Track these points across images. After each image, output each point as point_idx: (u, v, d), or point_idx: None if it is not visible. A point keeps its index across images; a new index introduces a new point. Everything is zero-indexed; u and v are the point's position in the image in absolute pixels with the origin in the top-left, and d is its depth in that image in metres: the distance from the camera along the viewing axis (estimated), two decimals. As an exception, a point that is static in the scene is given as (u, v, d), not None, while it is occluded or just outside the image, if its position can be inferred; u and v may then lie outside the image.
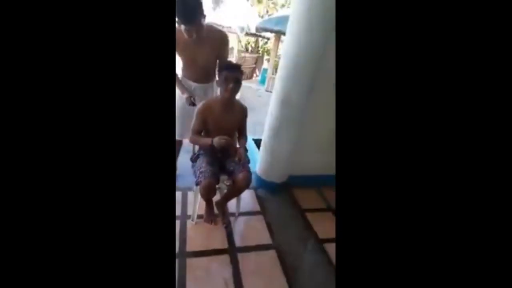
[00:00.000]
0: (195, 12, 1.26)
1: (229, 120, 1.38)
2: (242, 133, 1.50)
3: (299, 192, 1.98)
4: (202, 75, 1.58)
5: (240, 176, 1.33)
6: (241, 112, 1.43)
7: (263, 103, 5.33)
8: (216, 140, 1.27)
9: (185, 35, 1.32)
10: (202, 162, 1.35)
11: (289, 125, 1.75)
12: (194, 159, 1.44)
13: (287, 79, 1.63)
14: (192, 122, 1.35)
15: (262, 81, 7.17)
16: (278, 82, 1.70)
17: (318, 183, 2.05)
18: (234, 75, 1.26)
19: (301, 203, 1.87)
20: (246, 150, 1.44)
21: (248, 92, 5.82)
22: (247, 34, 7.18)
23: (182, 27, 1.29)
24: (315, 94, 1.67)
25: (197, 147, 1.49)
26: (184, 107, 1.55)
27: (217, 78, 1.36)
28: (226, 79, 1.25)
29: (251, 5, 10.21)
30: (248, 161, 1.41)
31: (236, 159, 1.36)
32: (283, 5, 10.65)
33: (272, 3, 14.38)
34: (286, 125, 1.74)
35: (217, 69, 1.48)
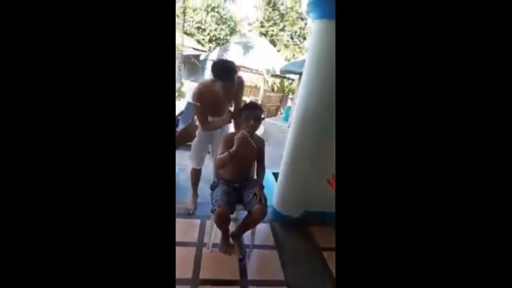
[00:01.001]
0: (234, 72, 1.50)
1: (248, 152, 1.50)
2: (260, 163, 1.61)
3: (316, 228, 1.94)
4: (220, 113, 1.76)
5: (256, 208, 1.39)
6: (259, 143, 1.55)
7: (286, 139, 5.44)
8: (237, 137, 1.32)
9: (220, 91, 1.50)
10: (219, 191, 1.45)
11: (306, 160, 1.81)
12: (213, 187, 1.55)
13: (302, 114, 1.76)
14: (219, 149, 1.50)
15: (286, 118, 7.41)
16: (294, 117, 1.83)
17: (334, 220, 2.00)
18: (255, 113, 1.43)
19: (317, 240, 1.83)
20: (263, 187, 1.52)
21: (272, 128, 6.05)
22: (272, 75, 7.74)
23: (220, 83, 1.48)
24: (332, 126, 1.75)
25: (215, 176, 1.62)
26: (201, 136, 1.72)
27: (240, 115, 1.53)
28: (247, 117, 1.42)
29: (278, 50, 11.10)
30: (265, 197, 1.47)
31: (253, 195, 1.44)
32: (307, 50, 11.40)
33: (299, 47, 15.43)
34: (303, 159, 1.81)
35: (233, 107, 1.68)
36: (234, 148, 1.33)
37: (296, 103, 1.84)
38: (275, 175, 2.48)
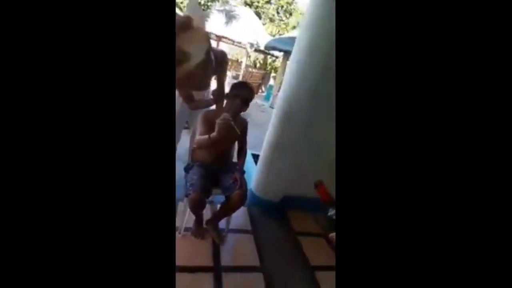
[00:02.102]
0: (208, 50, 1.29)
1: (229, 137, 1.36)
2: (241, 147, 1.48)
3: (295, 214, 1.92)
4: (202, 87, 1.57)
5: (236, 193, 1.29)
6: (241, 126, 1.41)
7: (267, 118, 5.35)
8: (218, 121, 1.16)
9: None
10: (194, 174, 1.31)
11: (289, 143, 1.72)
12: (187, 169, 1.41)
13: (289, 97, 1.63)
14: (197, 131, 1.33)
15: (267, 97, 7.25)
16: (280, 100, 1.70)
17: (314, 206, 1.99)
18: (243, 94, 1.30)
19: (294, 226, 1.81)
20: (243, 172, 1.41)
21: (252, 107, 5.86)
22: (256, 50, 7.37)
23: None
24: (317, 114, 1.66)
25: (190, 157, 1.47)
26: (180, 113, 1.55)
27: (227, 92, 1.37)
28: (235, 96, 1.29)
29: (264, 24, 10.56)
30: (246, 183, 1.37)
31: (233, 181, 1.32)
32: (294, 27, 11.01)
33: (284, 23, 14.90)
34: (285, 143, 1.72)
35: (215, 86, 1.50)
36: (215, 133, 1.19)
37: (282, 84, 1.70)
38: (255, 157, 2.38)
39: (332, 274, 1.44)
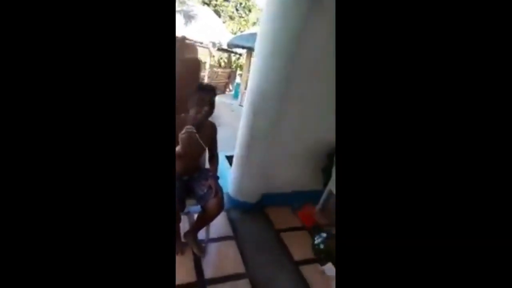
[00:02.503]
0: None
1: (195, 150, 1.29)
2: (213, 152, 1.42)
3: (273, 211, 1.91)
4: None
5: (212, 202, 1.23)
6: (211, 130, 1.35)
7: (237, 117, 5.29)
8: (181, 135, 1.05)
9: None
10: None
11: (260, 140, 1.69)
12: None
13: (256, 94, 1.60)
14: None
15: (235, 95, 7.19)
16: (247, 97, 1.66)
17: (293, 200, 2.00)
18: (209, 98, 1.19)
19: (275, 223, 1.80)
20: (217, 178, 1.35)
21: (221, 106, 5.76)
22: (219, 49, 7.23)
23: None
24: (286, 108, 1.65)
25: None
26: None
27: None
28: (200, 101, 1.18)
29: (224, 22, 10.42)
30: (221, 189, 1.31)
31: (207, 189, 1.26)
32: (254, 23, 11.02)
33: (244, 20, 14.86)
34: (257, 140, 1.69)
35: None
36: (178, 148, 1.08)
37: (249, 81, 1.66)
38: (229, 158, 2.32)
39: (317, 266, 1.46)
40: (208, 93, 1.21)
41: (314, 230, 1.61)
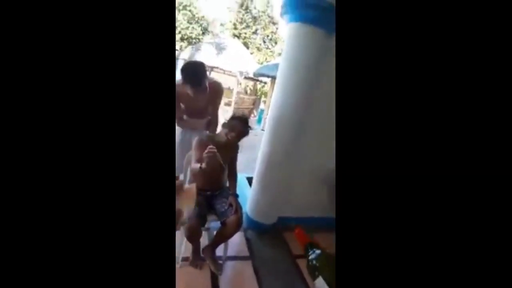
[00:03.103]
0: (202, 77, 1.41)
1: (223, 155, 1.42)
2: (232, 169, 1.52)
3: (290, 235, 1.91)
4: (198, 115, 1.68)
5: (232, 219, 1.31)
6: (233, 150, 1.47)
7: (259, 141, 5.43)
8: (205, 155, 1.17)
9: (191, 94, 1.43)
10: (190, 200, 1.34)
11: (278, 164, 1.77)
12: (183, 197, 1.43)
13: (275, 118, 1.72)
14: (193, 155, 1.38)
15: (259, 121, 7.42)
16: (268, 122, 1.79)
17: (310, 225, 1.99)
18: (241, 128, 1.34)
19: (292, 248, 1.79)
20: (237, 196, 1.44)
21: (244, 131, 5.96)
22: (246, 78, 7.69)
23: (189, 87, 1.40)
24: (304, 135, 1.74)
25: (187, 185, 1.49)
26: (181, 143, 1.62)
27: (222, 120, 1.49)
28: (232, 127, 1.33)
29: (251, 53, 11.13)
30: (241, 207, 1.39)
31: (228, 206, 1.35)
32: (279, 54, 11.62)
33: (270, 51, 15.67)
34: (276, 163, 1.77)
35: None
36: (203, 165, 1.21)
37: (269, 107, 1.81)
38: (249, 180, 2.41)
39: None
40: (242, 124, 1.36)
41: (309, 246, 1.59)
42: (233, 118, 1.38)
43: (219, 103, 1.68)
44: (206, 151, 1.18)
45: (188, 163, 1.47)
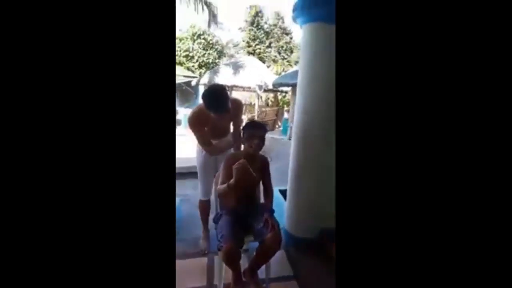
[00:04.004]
0: (226, 100, 1.40)
1: (249, 180, 1.36)
2: (266, 186, 1.45)
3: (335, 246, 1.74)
4: (222, 135, 1.67)
5: (270, 237, 1.22)
6: (262, 164, 1.41)
7: (287, 151, 5.33)
8: (235, 167, 1.14)
9: (214, 116, 1.42)
10: (223, 224, 1.29)
11: (313, 172, 1.66)
12: (216, 220, 1.39)
13: (301, 126, 1.65)
14: (220, 175, 1.35)
15: (284, 131, 7.34)
16: (294, 130, 1.71)
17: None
18: (259, 133, 1.32)
19: (340, 262, 1.63)
20: (273, 212, 1.36)
21: (271, 142, 5.93)
22: (265, 90, 7.75)
23: (212, 112, 1.39)
24: (331, 135, 1.61)
25: (218, 206, 1.45)
26: (206, 164, 1.59)
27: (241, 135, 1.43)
28: (250, 136, 1.30)
29: (268, 66, 11.29)
30: (278, 223, 1.31)
31: (263, 223, 1.28)
32: (296, 62, 11.61)
33: (287, 61, 15.79)
34: (309, 172, 1.66)
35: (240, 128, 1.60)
36: (232, 180, 1.18)
37: (293, 115, 1.74)
38: (283, 192, 2.31)
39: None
40: (258, 128, 1.32)
41: None
42: (246, 126, 1.35)
43: (241, 120, 1.65)
44: (236, 164, 1.14)
45: (217, 184, 1.44)
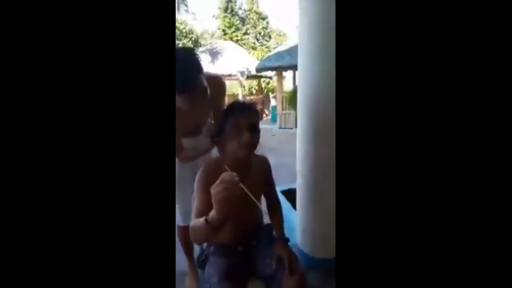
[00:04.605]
0: (199, 80, 0.85)
1: (247, 186, 0.86)
2: (271, 199, 0.96)
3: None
4: (193, 131, 1.09)
5: (290, 283, 0.75)
6: (262, 168, 0.91)
7: (280, 141, 4.93)
8: (216, 191, 0.59)
9: (186, 103, 0.87)
10: (212, 267, 0.79)
11: (328, 173, 1.19)
12: (201, 262, 0.88)
13: (311, 113, 1.16)
14: (194, 200, 0.80)
15: (273, 118, 6.91)
16: (301, 119, 1.23)
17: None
18: (249, 119, 0.76)
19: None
20: (287, 240, 0.87)
21: (261, 133, 5.46)
22: (248, 77, 7.21)
23: (182, 96, 0.84)
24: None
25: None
26: (180, 177, 1.05)
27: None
28: (237, 127, 0.74)
29: (248, 53, 10.69)
30: (295, 257, 0.82)
31: (275, 262, 0.79)
32: (274, 48, 11.10)
33: (266, 47, 15.30)
34: (323, 173, 1.19)
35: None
36: (213, 213, 0.62)
37: (298, 104, 1.27)
38: (286, 194, 1.84)
39: None
40: (246, 112, 0.78)
41: None
42: (229, 111, 0.80)
43: (223, 102, 1.11)
44: (216, 184, 0.60)
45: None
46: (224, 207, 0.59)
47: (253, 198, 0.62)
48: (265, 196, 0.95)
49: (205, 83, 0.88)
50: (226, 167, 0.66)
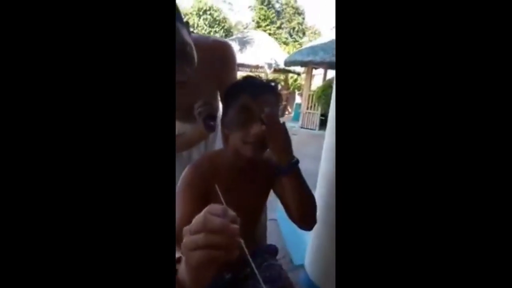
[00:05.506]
0: (187, 48, 0.65)
1: (253, 192, 0.62)
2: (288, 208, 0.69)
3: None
4: (184, 115, 0.82)
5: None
6: (270, 168, 0.64)
7: (301, 142, 4.65)
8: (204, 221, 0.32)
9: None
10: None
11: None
12: None
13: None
14: (178, 207, 0.54)
15: (296, 117, 6.59)
16: (333, 120, 0.95)
17: None
18: (265, 103, 0.51)
19: None
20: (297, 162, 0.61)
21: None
22: (275, 70, 6.91)
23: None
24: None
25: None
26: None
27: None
28: (246, 111, 0.51)
29: (279, 46, 10.39)
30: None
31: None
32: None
33: (299, 44, 14.86)
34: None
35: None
36: (182, 267, 0.36)
37: (332, 103, 0.99)
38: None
39: None
40: (264, 95, 0.53)
41: None
42: (236, 87, 0.57)
43: (231, 75, 0.85)
44: (199, 215, 0.32)
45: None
46: (201, 274, 0.35)
47: (245, 249, 0.33)
48: (281, 202, 0.68)
49: (191, 45, 0.64)
50: (217, 187, 0.40)
